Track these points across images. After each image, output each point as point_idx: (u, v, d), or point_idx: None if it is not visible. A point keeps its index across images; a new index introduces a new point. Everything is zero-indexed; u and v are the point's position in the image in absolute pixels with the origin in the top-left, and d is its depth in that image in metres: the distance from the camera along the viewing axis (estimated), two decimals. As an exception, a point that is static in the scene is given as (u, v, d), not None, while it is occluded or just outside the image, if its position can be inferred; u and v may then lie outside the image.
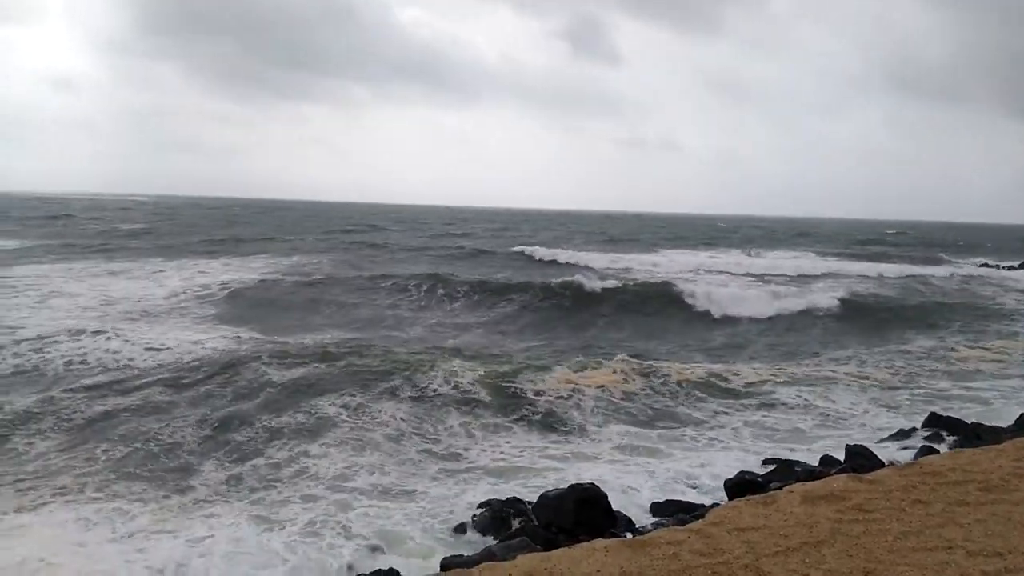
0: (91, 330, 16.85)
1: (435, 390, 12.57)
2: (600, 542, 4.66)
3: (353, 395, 12.14)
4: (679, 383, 13.68)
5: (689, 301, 23.32)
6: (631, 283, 26.01)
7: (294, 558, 6.99)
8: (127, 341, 16.06)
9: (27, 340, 15.65)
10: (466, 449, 10.29)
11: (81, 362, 14.49)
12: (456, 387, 12.66)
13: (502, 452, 10.20)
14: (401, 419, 11.21)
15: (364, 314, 21.28)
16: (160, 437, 10.26)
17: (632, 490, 8.63)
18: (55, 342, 15.67)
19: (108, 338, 16.23)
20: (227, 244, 43.24)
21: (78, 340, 15.96)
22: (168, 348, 15.63)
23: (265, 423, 10.91)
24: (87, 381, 13.06)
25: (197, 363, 14.47)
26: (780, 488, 7.50)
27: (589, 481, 7.68)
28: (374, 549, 7.22)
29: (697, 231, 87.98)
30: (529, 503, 8.00)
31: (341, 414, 11.28)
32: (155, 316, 19.80)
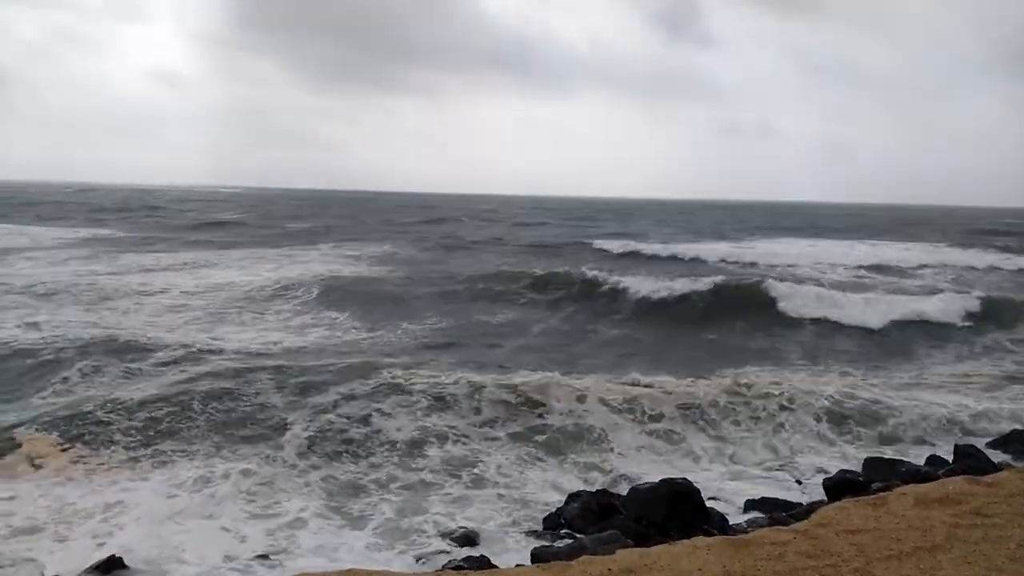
0: (198, 318, 17.68)
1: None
2: (701, 540, 4.55)
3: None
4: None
5: (787, 303, 20.60)
6: (738, 280, 23.60)
7: (383, 542, 7.17)
8: (237, 327, 16.82)
9: (134, 327, 16.48)
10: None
11: (190, 348, 15.05)
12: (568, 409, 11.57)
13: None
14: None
15: (454, 309, 20.91)
16: (263, 418, 10.63)
17: (722, 488, 8.48)
18: (162, 326, 16.54)
19: (213, 324, 16.98)
20: (320, 235, 44.41)
21: (186, 327, 16.76)
22: (271, 339, 16.21)
23: (343, 392, 11.26)
24: (200, 368, 13.52)
25: (298, 349, 15.01)
26: (883, 489, 7.20)
27: (681, 476, 7.53)
28: (464, 536, 7.30)
29: (799, 219, 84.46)
30: (619, 496, 7.94)
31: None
32: (258, 303, 20.53)
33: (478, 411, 10.98)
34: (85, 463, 9.01)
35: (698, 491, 7.29)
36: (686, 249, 36.60)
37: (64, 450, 9.29)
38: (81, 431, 9.81)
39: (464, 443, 10.06)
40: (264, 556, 6.93)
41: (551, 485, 8.74)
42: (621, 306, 21.33)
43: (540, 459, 9.58)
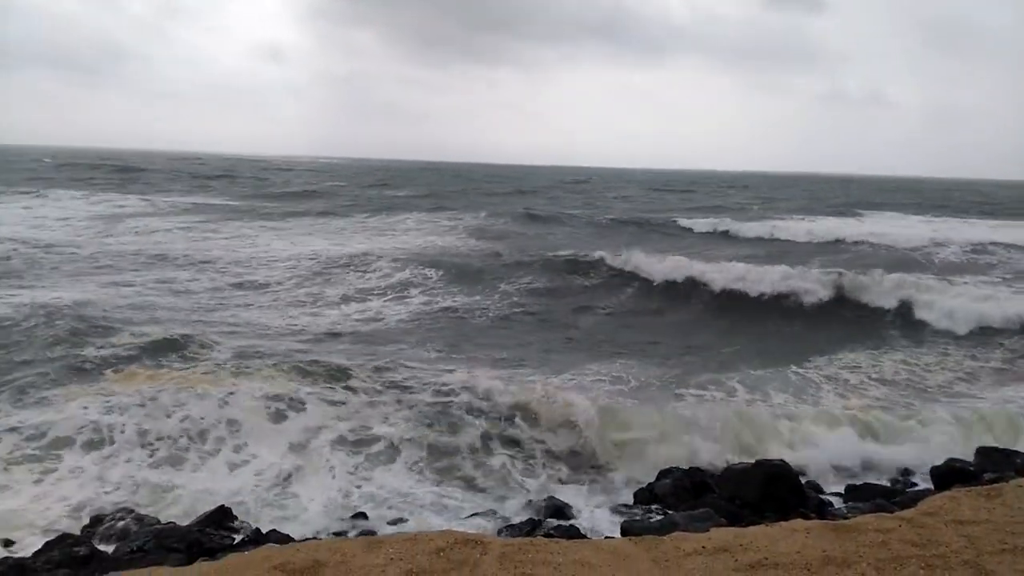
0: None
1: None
2: (800, 522, 4.47)
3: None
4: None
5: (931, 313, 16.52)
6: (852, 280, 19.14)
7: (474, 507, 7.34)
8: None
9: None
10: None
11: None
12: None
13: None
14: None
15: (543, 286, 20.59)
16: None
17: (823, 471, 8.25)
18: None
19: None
20: (410, 206, 45.02)
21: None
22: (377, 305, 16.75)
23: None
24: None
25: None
26: (996, 479, 6.86)
27: (779, 458, 7.38)
28: (553, 507, 7.38)
29: (910, 195, 80.00)
30: (712, 475, 7.86)
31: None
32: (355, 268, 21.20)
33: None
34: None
35: (795, 473, 7.14)
36: (783, 228, 34.24)
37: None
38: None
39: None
40: (362, 515, 7.24)
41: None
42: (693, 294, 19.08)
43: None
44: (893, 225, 39.45)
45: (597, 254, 22.12)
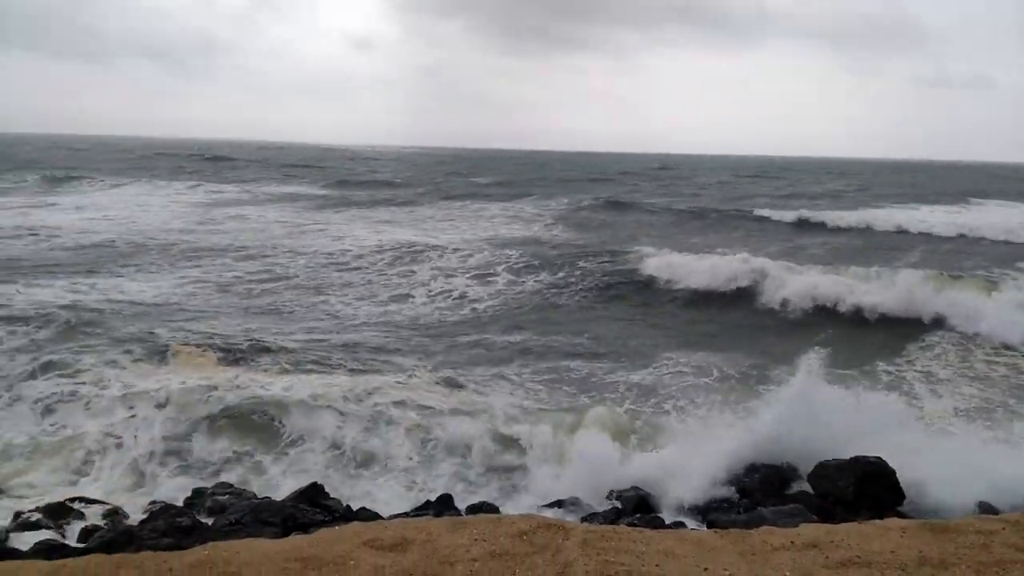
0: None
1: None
2: (895, 521, 4.32)
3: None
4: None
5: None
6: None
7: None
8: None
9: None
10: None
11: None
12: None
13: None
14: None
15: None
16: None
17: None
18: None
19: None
20: (487, 195, 45.15)
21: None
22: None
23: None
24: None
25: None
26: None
27: (875, 455, 7.11)
28: (637, 497, 7.33)
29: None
30: (803, 470, 7.65)
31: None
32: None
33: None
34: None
35: (893, 471, 6.88)
36: (880, 218, 31.74)
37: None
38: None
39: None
40: (447, 497, 7.38)
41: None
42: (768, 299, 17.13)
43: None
44: (1005, 215, 36.73)
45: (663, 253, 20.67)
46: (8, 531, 6.69)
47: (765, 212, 33.79)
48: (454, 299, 16.80)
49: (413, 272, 19.45)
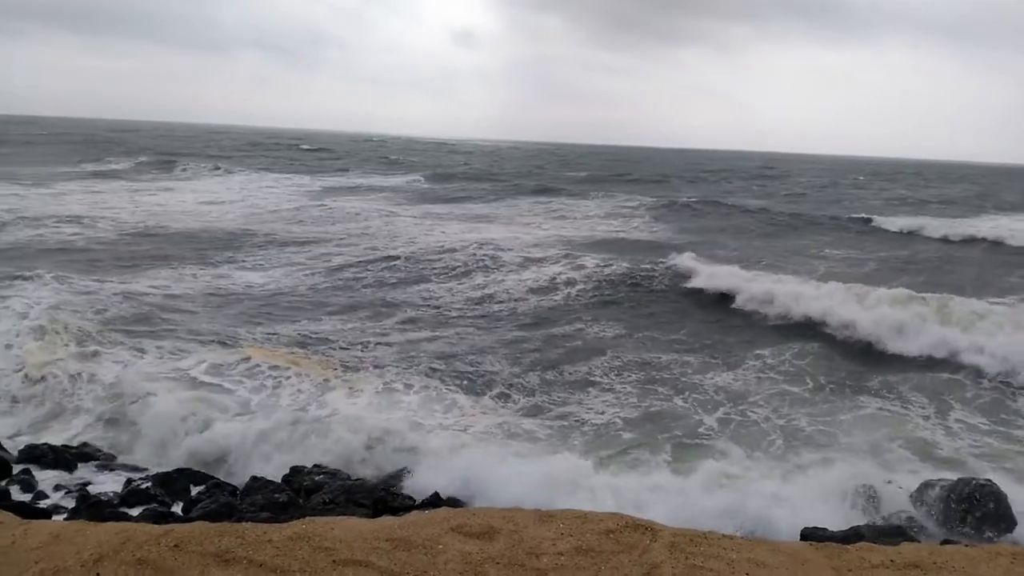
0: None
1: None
2: (1006, 547, 4.07)
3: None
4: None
5: None
6: None
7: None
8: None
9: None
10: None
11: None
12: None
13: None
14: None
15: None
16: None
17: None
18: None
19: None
20: (590, 187, 44.80)
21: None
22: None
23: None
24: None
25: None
26: None
27: (985, 478, 6.74)
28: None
29: None
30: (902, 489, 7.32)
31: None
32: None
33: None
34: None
35: (1004, 495, 6.50)
36: (1005, 228, 27.98)
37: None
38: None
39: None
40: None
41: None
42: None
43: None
44: None
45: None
46: (121, 496, 7.14)
47: (869, 217, 31.78)
48: (542, 293, 16.78)
49: (502, 265, 19.54)
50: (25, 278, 14.92)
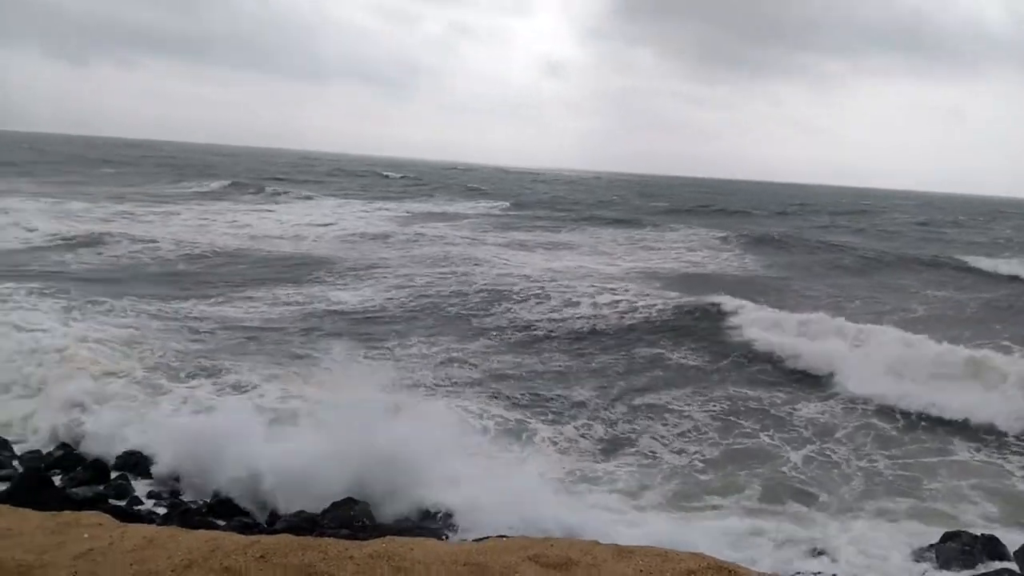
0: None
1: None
2: None
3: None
4: None
5: None
6: None
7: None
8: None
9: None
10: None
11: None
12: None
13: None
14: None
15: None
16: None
17: None
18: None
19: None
20: (676, 220, 44.15)
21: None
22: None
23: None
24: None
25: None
26: None
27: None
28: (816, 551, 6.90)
29: None
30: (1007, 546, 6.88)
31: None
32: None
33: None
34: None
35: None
36: None
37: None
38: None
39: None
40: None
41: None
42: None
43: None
44: None
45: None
46: (210, 506, 7.40)
47: (969, 258, 29.36)
48: (623, 322, 16.59)
49: (583, 293, 19.45)
50: (117, 297, 15.67)
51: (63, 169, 62.18)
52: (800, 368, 13.44)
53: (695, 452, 9.69)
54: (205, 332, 13.96)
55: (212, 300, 16.77)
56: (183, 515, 6.85)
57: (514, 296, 18.54)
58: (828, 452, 9.83)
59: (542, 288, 19.57)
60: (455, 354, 13.66)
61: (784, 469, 9.21)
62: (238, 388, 10.78)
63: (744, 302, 17.14)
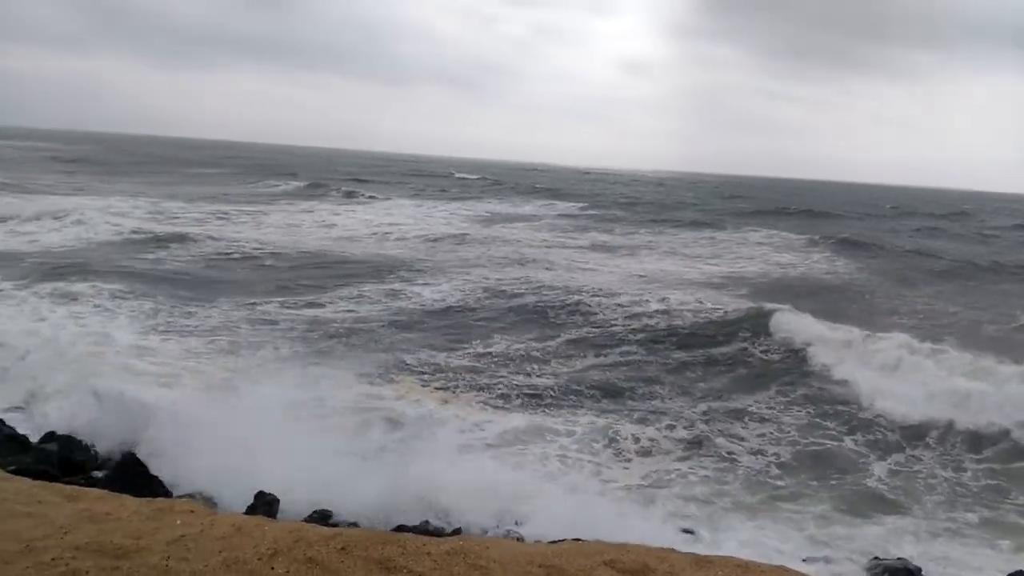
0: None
1: None
2: None
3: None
4: None
5: None
6: None
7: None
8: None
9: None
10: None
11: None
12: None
13: None
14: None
15: None
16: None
17: None
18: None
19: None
20: (759, 221, 42.95)
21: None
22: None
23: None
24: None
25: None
26: None
27: None
28: (904, 570, 6.62)
29: None
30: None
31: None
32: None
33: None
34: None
35: None
36: None
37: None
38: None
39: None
40: (690, 531, 7.20)
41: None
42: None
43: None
44: None
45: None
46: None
47: None
48: (704, 322, 16.28)
49: (662, 297, 19.19)
50: (209, 301, 16.21)
51: (159, 170, 65.44)
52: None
53: (773, 454, 9.53)
54: (302, 332, 14.32)
55: (302, 299, 17.23)
56: (267, 505, 7.04)
57: (592, 297, 18.43)
58: (914, 460, 9.49)
59: (620, 289, 19.42)
60: (535, 352, 13.85)
61: (867, 478, 8.95)
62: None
63: (815, 324, 15.50)
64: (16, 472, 5.45)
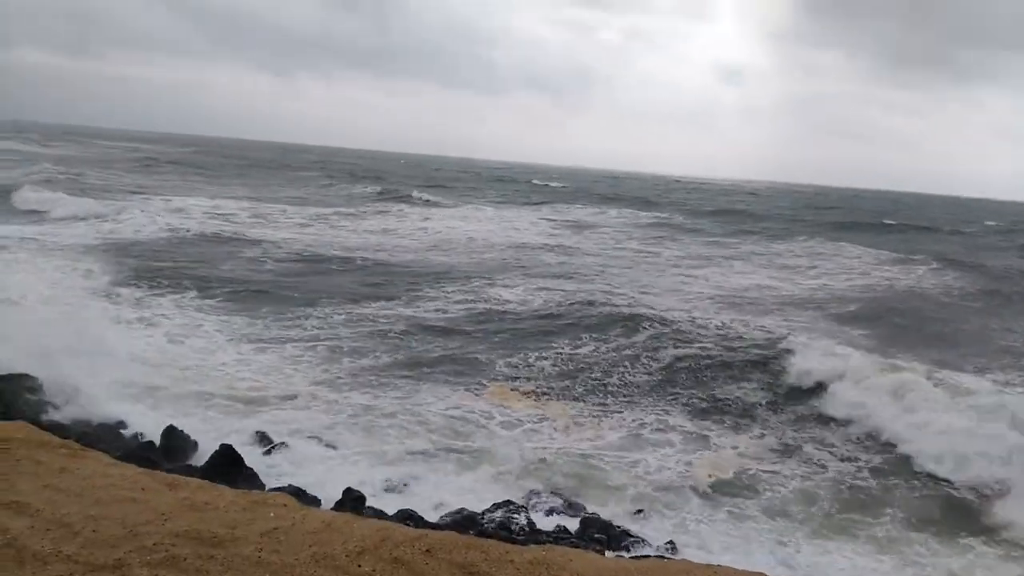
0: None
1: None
2: None
3: None
4: None
5: None
6: None
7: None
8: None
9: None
10: None
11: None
12: None
13: None
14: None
15: None
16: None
17: None
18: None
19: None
20: (857, 235, 41.15)
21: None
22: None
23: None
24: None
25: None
26: None
27: None
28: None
29: None
30: None
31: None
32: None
33: None
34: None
35: None
36: None
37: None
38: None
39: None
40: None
41: None
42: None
43: None
44: None
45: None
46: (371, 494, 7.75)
47: None
48: (779, 329, 15.70)
49: (761, 312, 18.70)
50: (316, 307, 16.66)
51: (272, 175, 68.11)
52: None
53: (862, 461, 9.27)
54: (397, 335, 14.68)
55: (398, 301, 17.63)
56: (355, 501, 7.20)
57: (682, 305, 18.16)
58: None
59: (704, 305, 19.07)
60: (626, 351, 13.94)
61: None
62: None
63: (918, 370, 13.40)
64: (121, 459, 5.73)
